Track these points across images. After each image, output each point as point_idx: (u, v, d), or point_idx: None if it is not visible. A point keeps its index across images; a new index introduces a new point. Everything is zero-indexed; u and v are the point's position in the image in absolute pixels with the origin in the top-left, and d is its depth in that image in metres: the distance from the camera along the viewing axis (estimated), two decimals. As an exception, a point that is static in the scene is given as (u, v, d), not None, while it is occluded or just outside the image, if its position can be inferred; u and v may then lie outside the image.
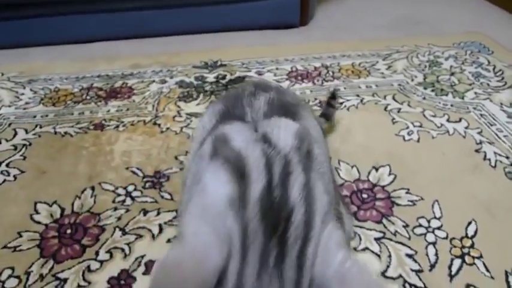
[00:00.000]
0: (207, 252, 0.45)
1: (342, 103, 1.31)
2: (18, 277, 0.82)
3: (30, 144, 1.19)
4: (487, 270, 0.82)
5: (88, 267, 0.83)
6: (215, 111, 0.77)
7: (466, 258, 0.85)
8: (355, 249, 0.86)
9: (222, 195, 0.49)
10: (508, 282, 0.80)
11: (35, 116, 1.31)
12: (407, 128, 1.21)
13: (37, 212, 0.96)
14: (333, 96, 1.15)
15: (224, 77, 1.49)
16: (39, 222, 0.94)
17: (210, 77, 1.49)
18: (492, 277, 0.81)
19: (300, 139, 0.59)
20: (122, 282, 0.81)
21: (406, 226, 0.91)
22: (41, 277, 0.82)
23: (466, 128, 1.21)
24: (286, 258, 0.45)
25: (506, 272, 0.82)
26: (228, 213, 0.48)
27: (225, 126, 0.65)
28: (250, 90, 0.79)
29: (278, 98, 0.77)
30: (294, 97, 0.88)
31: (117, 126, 1.25)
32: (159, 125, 1.25)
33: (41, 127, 1.26)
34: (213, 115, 0.76)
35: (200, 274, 0.42)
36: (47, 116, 1.31)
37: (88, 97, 1.40)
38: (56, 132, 1.23)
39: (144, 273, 0.82)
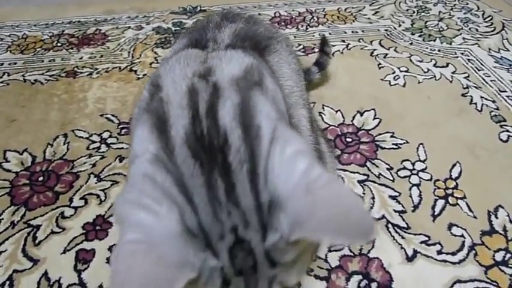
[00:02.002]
0: (155, 221, 0.39)
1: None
2: (-13, 225, 0.78)
3: (-2, 93, 1.12)
4: (470, 210, 0.82)
5: (62, 214, 0.80)
6: (180, 47, 0.72)
7: (450, 199, 0.84)
8: (338, 191, 0.84)
9: (144, 160, 0.44)
10: (490, 221, 0.80)
11: (2, 64, 1.23)
12: (394, 73, 1.18)
13: (6, 161, 0.91)
14: (325, 42, 1.09)
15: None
16: (9, 170, 0.89)
17: (189, 23, 1.41)
18: (475, 217, 0.81)
19: (248, 72, 0.53)
20: (98, 227, 0.78)
21: (390, 169, 0.89)
22: (12, 224, 0.79)
23: (453, 73, 1.18)
24: (237, 186, 0.40)
25: (488, 212, 0.81)
26: (154, 172, 0.42)
27: (167, 64, 0.58)
28: (216, 21, 0.74)
29: (247, 29, 0.71)
30: (268, 29, 0.81)
31: (91, 74, 1.18)
32: (135, 71, 1.18)
33: (9, 75, 1.18)
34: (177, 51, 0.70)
35: (162, 261, 0.37)
36: (15, 63, 1.24)
37: (59, 44, 1.32)
38: (25, 80, 1.16)
39: (120, 219, 0.79)
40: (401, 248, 0.75)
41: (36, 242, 0.76)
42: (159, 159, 0.43)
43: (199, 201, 0.40)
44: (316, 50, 1.26)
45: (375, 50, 1.28)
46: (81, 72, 1.18)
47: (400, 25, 1.41)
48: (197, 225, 0.39)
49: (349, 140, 0.96)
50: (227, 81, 0.50)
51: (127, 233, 0.39)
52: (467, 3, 1.53)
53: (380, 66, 1.21)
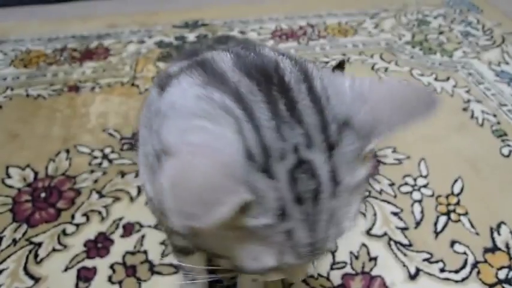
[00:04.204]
0: (215, 136, 0.36)
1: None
2: (-11, 242, 0.78)
3: (0, 107, 1.12)
4: (472, 226, 0.81)
5: (63, 231, 0.80)
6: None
7: (452, 215, 0.83)
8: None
9: (189, 84, 0.41)
10: (493, 238, 0.80)
11: (5, 79, 1.24)
12: (395, 87, 1.18)
13: (9, 176, 0.92)
14: (340, 65, 1.08)
15: (205, 37, 1.42)
16: (11, 187, 0.89)
17: (191, 37, 1.42)
18: (477, 233, 0.80)
19: None
20: (99, 245, 0.78)
21: (392, 184, 0.89)
22: (14, 242, 0.79)
23: (454, 86, 1.19)
24: (298, 104, 0.38)
25: (491, 228, 0.81)
26: (210, 92, 0.39)
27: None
28: (207, 44, 0.74)
29: None
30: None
31: (93, 88, 1.19)
32: (137, 86, 1.19)
33: (12, 89, 1.19)
34: None
35: (222, 160, 0.34)
36: (18, 78, 1.24)
37: (62, 58, 1.33)
38: (28, 95, 1.17)
39: (122, 236, 0.79)
40: (404, 265, 0.75)
41: (38, 259, 0.76)
42: (209, 83, 0.40)
43: (260, 116, 0.37)
44: (317, 64, 1.26)
45: (375, 63, 1.28)
46: (84, 87, 1.19)
47: (400, 38, 1.41)
48: (258, 142, 0.36)
49: (350, 155, 0.96)
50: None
51: (189, 136, 0.37)
52: (467, 16, 1.54)
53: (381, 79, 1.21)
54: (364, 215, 0.83)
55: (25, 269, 0.74)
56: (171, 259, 0.74)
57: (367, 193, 0.87)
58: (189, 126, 0.38)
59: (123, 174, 0.91)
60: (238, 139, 0.36)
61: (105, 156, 0.96)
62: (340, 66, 1.09)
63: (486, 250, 0.77)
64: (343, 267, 0.74)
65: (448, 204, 0.85)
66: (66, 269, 0.74)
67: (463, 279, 0.73)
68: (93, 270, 0.74)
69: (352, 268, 0.74)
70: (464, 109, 1.11)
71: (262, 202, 0.35)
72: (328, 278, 0.73)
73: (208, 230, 0.36)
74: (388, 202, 0.86)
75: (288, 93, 0.38)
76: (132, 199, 0.86)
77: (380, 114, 0.37)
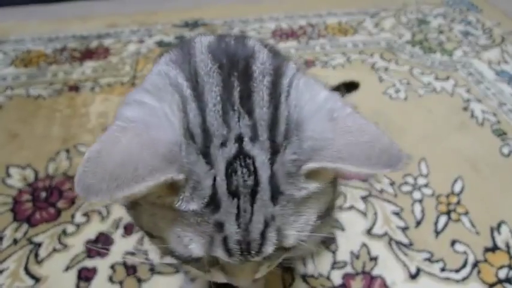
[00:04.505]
0: (152, 112, 0.35)
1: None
2: (-10, 242, 0.78)
3: (1, 107, 1.12)
4: (473, 226, 0.81)
5: (64, 231, 0.80)
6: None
7: (452, 214, 0.84)
8: (340, 207, 0.84)
9: (160, 62, 0.41)
10: (493, 237, 0.80)
11: (5, 78, 1.24)
12: (394, 86, 1.18)
13: (9, 176, 0.92)
14: (353, 86, 1.07)
15: (206, 37, 1.42)
16: (11, 186, 0.89)
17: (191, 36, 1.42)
18: (477, 233, 0.80)
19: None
20: (100, 244, 0.78)
21: (392, 184, 0.89)
22: (15, 241, 0.79)
23: (454, 86, 1.19)
24: (254, 94, 0.36)
25: (491, 228, 0.81)
26: (168, 69, 0.39)
27: None
28: None
29: None
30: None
31: (93, 88, 1.18)
32: (137, 85, 1.19)
33: (12, 89, 1.19)
34: None
35: (151, 141, 0.32)
36: (18, 78, 1.24)
37: (62, 58, 1.33)
38: (28, 95, 1.17)
39: (123, 235, 0.79)
40: (404, 265, 0.75)
41: (39, 259, 0.76)
42: (175, 61, 0.40)
43: (209, 98, 0.36)
44: (317, 64, 1.27)
45: (375, 62, 1.28)
46: (84, 87, 1.19)
47: (400, 38, 1.41)
48: (200, 123, 0.35)
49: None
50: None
51: (125, 111, 0.36)
52: (467, 16, 1.54)
53: (381, 79, 1.21)
54: (364, 214, 0.83)
55: (26, 268, 0.74)
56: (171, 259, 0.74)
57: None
58: (131, 100, 0.37)
59: (123, 174, 0.91)
60: (179, 117, 0.35)
61: (105, 156, 0.95)
62: (352, 86, 1.08)
63: (486, 249, 0.77)
64: (344, 266, 0.74)
65: (449, 204, 0.85)
66: (66, 269, 0.74)
67: (464, 279, 0.73)
68: (94, 270, 0.74)
69: (353, 268, 0.74)
70: (464, 108, 1.11)
71: (195, 186, 0.34)
72: (328, 278, 0.73)
73: (144, 206, 0.36)
74: (389, 201, 0.86)
75: (248, 82, 0.37)
76: (132, 199, 0.86)
77: (336, 141, 0.34)
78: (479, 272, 0.74)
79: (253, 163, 0.35)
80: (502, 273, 0.74)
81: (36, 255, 0.76)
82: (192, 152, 0.34)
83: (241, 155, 0.34)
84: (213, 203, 0.34)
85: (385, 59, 1.30)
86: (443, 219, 0.82)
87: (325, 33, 1.44)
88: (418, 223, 0.82)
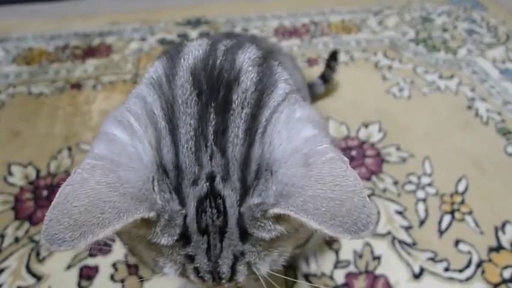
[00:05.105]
0: (122, 148, 0.34)
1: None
2: (-9, 240, 0.78)
3: (3, 105, 1.12)
4: (477, 225, 0.81)
5: (66, 229, 0.80)
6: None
7: (456, 214, 0.83)
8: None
9: (142, 82, 0.40)
10: (497, 237, 0.79)
11: (7, 76, 1.24)
12: (398, 84, 1.17)
13: (11, 174, 0.91)
14: (333, 56, 1.08)
15: (208, 35, 1.41)
16: (13, 184, 0.89)
17: (193, 34, 1.42)
18: (482, 232, 0.80)
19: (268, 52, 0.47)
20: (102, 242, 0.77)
21: (395, 183, 0.89)
22: (16, 240, 0.78)
23: (458, 84, 1.18)
24: (229, 130, 0.35)
25: (495, 227, 0.80)
26: (147, 93, 0.38)
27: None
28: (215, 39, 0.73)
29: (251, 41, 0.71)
30: (271, 43, 0.79)
31: (95, 86, 1.18)
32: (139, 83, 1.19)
33: (14, 87, 1.19)
34: None
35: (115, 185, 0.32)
36: (20, 75, 1.24)
37: (64, 56, 1.32)
38: (30, 93, 1.16)
39: (124, 234, 0.78)
40: (408, 265, 0.74)
41: (40, 257, 0.76)
42: (156, 83, 0.39)
43: (183, 132, 0.35)
44: (320, 61, 1.26)
45: (379, 61, 1.27)
46: (86, 84, 1.19)
47: (404, 36, 1.40)
48: (173, 160, 0.35)
49: (354, 153, 0.96)
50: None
51: (96, 147, 0.35)
52: (471, 14, 1.53)
53: (384, 77, 1.20)
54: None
55: (27, 267, 0.74)
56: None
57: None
58: (103, 132, 0.37)
59: (125, 172, 0.90)
60: (151, 154, 0.35)
61: (107, 154, 0.95)
62: (333, 57, 1.08)
63: (491, 249, 0.77)
64: (347, 266, 0.74)
65: (453, 203, 0.85)
66: (68, 268, 0.74)
67: (468, 279, 0.72)
68: (95, 269, 0.74)
69: (356, 267, 0.74)
70: (469, 107, 1.10)
71: (167, 223, 0.34)
72: (331, 277, 0.72)
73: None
74: (392, 201, 0.85)
75: (225, 114, 0.36)
76: (134, 197, 0.85)
77: (305, 190, 0.32)
78: (483, 272, 0.73)
79: (223, 203, 0.35)
80: (507, 273, 0.73)
81: (38, 253, 0.76)
82: (165, 189, 0.34)
83: (212, 194, 0.34)
84: (184, 238, 0.35)
85: (388, 57, 1.29)
86: (447, 219, 0.82)
87: (328, 31, 1.43)
88: (422, 222, 0.81)
